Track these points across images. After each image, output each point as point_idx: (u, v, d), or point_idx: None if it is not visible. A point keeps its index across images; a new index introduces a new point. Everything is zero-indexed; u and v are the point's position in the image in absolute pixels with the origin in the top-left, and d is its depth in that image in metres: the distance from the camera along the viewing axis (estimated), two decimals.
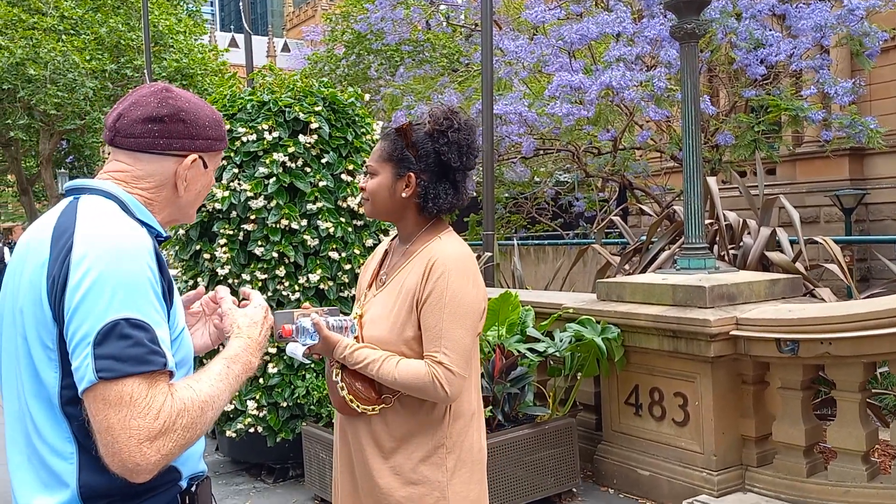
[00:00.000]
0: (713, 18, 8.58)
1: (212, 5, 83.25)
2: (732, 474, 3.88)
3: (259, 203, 4.29)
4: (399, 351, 1.94)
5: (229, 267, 4.36)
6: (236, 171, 4.37)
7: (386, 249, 2.18)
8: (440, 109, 2.04)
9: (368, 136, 4.72)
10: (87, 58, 17.47)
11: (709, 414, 3.87)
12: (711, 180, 5.45)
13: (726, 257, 5.06)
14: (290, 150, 4.33)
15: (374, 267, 2.17)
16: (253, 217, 4.33)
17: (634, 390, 4.25)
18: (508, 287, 6.63)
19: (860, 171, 15.39)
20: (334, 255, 4.40)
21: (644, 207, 8.60)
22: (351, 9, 18.48)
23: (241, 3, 12.29)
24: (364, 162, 3.92)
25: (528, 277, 8.79)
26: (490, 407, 3.91)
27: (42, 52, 16.70)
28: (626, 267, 5.86)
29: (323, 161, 4.44)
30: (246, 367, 1.45)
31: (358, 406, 1.96)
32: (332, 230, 4.38)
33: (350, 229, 4.50)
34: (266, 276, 4.34)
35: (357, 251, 4.50)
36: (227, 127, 4.39)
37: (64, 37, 17.68)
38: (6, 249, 17.69)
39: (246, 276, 4.35)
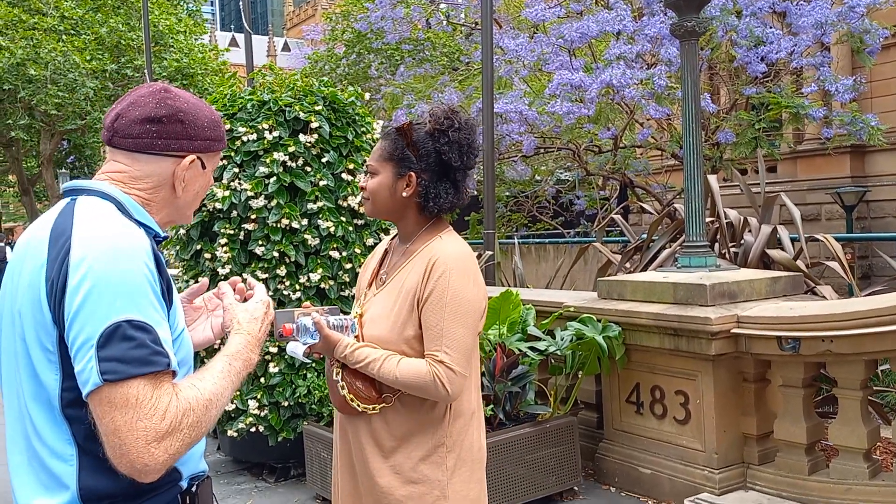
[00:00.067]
0: (713, 16, 8.57)
1: (212, 5, 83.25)
2: (734, 472, 3.88)
3: (260, 202, 4.29)
4: (399, 350, 1.94)
5: (230, 266, 4.37)
6: (237, 170, 4.37)
7: (386, 249, 2.18)
8: (440, 109, 2.04)
9: (369, 136, 4.72)
10: (88, 58, 17.49)
11: (710, 412, 3.87)
12: (712, 178, 5.45)
13: (727, 255, 5.06)
14: (291, 149, 4.33)
15: (374, 266, 2.17)
16: (254, 216, 4.33)
17: (636, 388, 4.25)
18: (509, 286, 6.63)
19: (861, 168, 15.38)
20: (335, 254, 4.40)
21: (645, 206, 8.59)
22: (351, 8, 18.46)
23: (241, 3, 12.28)
24: (364, 161, 3.92)
25: (529, 276, 8.79)
26: (491, 406, 3.91)
27: (42, 53, 16.72)
28: (627, 265, 5.86)
29: (323, 160, 4.44)
30: (246, 364, 1.46)
31: (358, 405, 1.97)
32: (332, 229, 4.38)
33: (351, 228, 4.50)
34: (267, 275, 4.34)
35: (358, 250, 4.50)
36: (228, 126, 4.39)
37: (64, 37, 17.70)
38: (8, 248, 17.73)
39: (247, 276, 4.34)
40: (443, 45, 16.01)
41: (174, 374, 1.31)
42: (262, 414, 4.38)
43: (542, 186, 13.77)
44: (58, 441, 1.31)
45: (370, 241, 4.59)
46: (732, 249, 5.14)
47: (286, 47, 56.73)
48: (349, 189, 4.49)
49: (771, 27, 9.19)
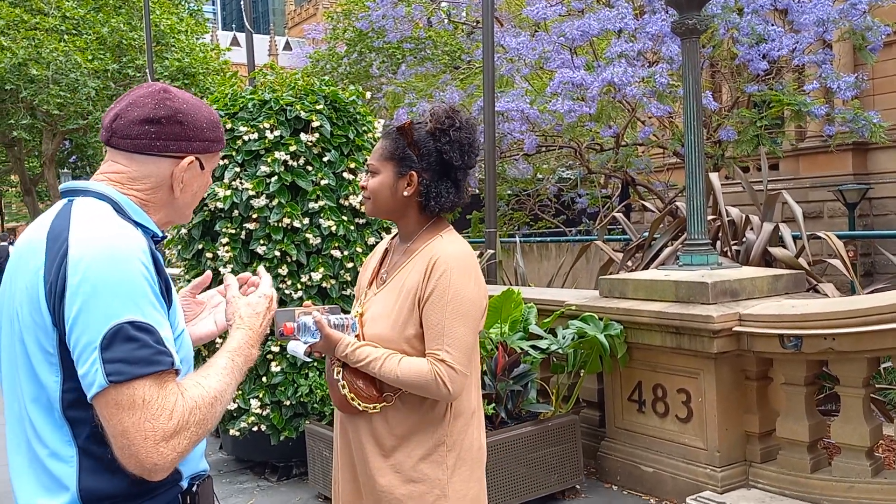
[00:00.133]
0: (715, 14, 8.56)
1: (213, 4, 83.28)
2: (736, 470, 3.88)
3: (261, 202, 4.29)
4: (400, 349, 1.94)
5: (232, 266, 4.37)
6: (238, 169, 4.37)
7: (386, 248, 2.18)
8: (441, 108, 2.04)
9: (370, 134, 4.72)
10: (90, 58, 17.50)
11: (712, 410, 3.87)
12: (714, 176, 5.44)
13: (729, 253, 5.06)
14: (292, 148, 4.33)
15: (375, 265, 2.17)
16: (255, 216, 4.33)
17: (637, 387, 4.25)
18: (511, 284, 6.63)
19: (863, 165, 15.37)
20: (336, 253, 4.41)
21: (647, 204, 8.58)
22: (352, 6, 18.46)
23: (242, 2, 12.28)
24: (366, 160, 3.92)
25: (530, 274, 8.79)
26: (493, 404, 3.91)
27: (44, 53, 16.73)
28: (629, 263, 5.85)
29: (324, 159, 4.45)
30: (248, 359, 1.47)
31: (359, 404, 1.97)
32: (334, 228, 4.39)
33: (352, 227, 4.50)
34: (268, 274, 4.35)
35: (359, 249, 4.50)
36: (229, 126, 4.40)
37: (66, 37, 17.71)
38: (11, 248, 17.75)
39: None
40: (444, 43, 16.00)
41: (177, 372, 1.31)
42: (265, 413, 4.38)
43: (543, 185, 13.76)
44: (58, 442, 1.31)
45: (371, 240, 4.59)
46: (734, 247, 5.13)
47: (288, 46, 56.75)
48: (350, 188, 4.49)
49: (773, 24, 9.17)
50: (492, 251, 6.49)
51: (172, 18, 20.10)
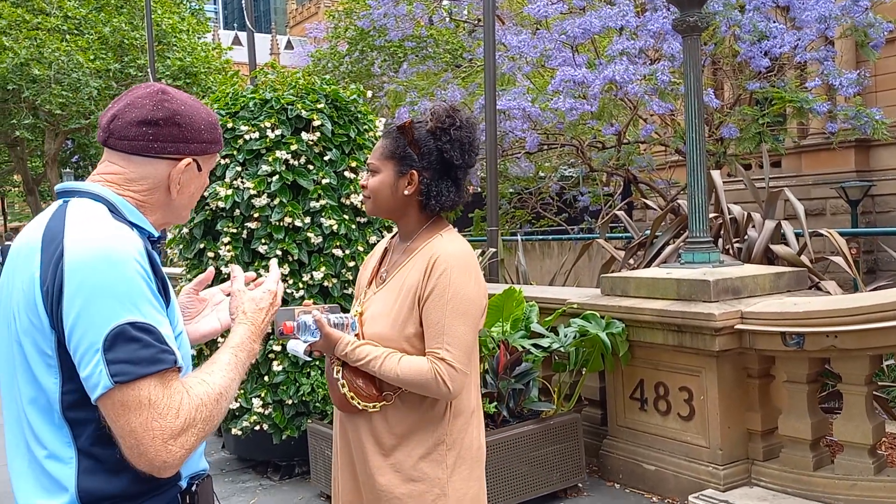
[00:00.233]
0: (716, 11, 8.54)
1: (215, 3, 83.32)
2: (738, 468, 3.88)
3: (262, 201, 4.29)
4: (400, 347, 1.94)
5: (232, 265, 4.37)
6: (239, 169, 4.37)
7: (386, 247, 2.18)
8: (442, 107, 2.04)
9: (371, 133, 4.72)
10: (91, 57, 17.51)
11: (714, 408, 3.86)
12: (716, 174, 5.43)
13: (731, 251, 5.05)
14: (293, 147, 4.33)
15: (374, 265, 2.17)
16: (256, 215, 4.33)
17: (639, 385, 4.24)
18: (513, 282, 6.63)
19: (866, 162, 15.35)
20: (338, 252, 4.41)
21: (648, 202, 8.58)
22: (354, 5, 18.45)
23: (243, 1, 12.28)
24: (367, 159, 3.92)
25: (533, 273, 8.79)
26: (495, 403, 3.91)
27: (46, 53, 16.75)
28: (631, 261, 5.85)
29: (326, 158, 4.44)
30: (250, 355, 1.48)
31: (359, 403, 1.97)
32: (335, 227, 4.39)
33: (353, 226, 4.50)
34: None
35: (361, 248, 4.50)
36: (230, 125, 4.40)
37: (68, 37, 17.73)
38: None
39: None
40: (445, 42, 16.00)
41: (180, 370, 1.32)
42: (267, 412, 4.38)
43: (545, 183, 13.76)
44: (57, 444, 1.31)
45: (373, 239, 4.59)
46: (736, 245, 5.12)
47: (289, 45, 56.75)
48: (352, 187, 4.49)
49: (774, 22, 9.15)
50: (494, 249, 6.48)
51: (174, 18, 20.12)
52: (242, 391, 4.41)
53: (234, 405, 4.43)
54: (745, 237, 5.13)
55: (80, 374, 1.26)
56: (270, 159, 4.30)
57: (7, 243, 17.18)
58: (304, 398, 4.35)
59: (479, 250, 6.38)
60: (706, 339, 3.79)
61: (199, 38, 21.65)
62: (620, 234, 9.17)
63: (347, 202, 4.49)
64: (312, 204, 4.36)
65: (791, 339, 3.60)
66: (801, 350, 3.60)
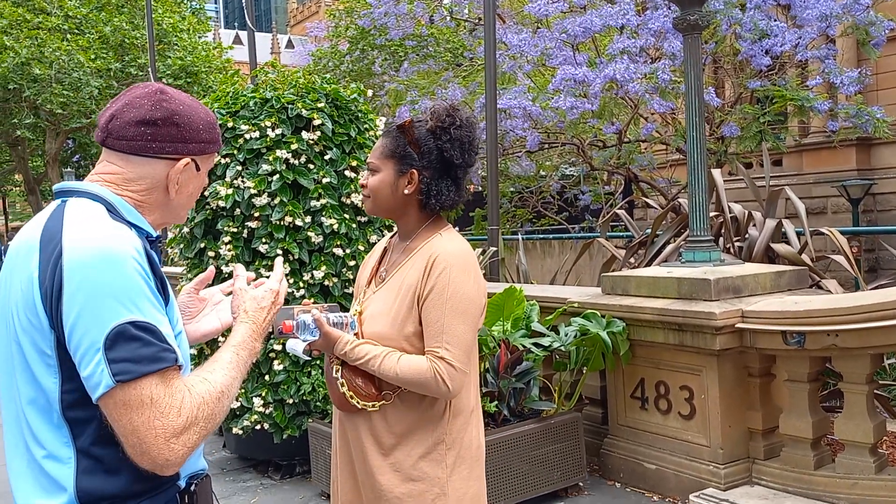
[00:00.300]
0: (717, 10, 8.53)
1: (215, 3, 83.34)
2: (739, 467, 3.87)
3: (263, 200, 4.29)
4: (399, 347, 1.94)
5: (234, 264, 4.37)
6: (240, 168, 4.37)
7: (385, 246, 2.18)
8: (442, 106, 2.04)
9: (371, 132, 4.72)
10: (92, 57, 17.52)
11: (715, 407, 3.86)
12: (717, 172, 5.42)
13: (732, 250, 5.04)
14: (293, 146, 4.33)
15: (374, 264, 2.17)
16: (257, 214, 4.33)
17: (640, 384, 4.24)
18: (513, 282, 6.62)
19: (867, 161, 15.33)
20: (338, 251, 4.41)
21: (649, 200, 8.57)
22: (354, 4, 18.45)
23: (244, 1, 12.28)
24: (367, 158, 3.92)
25: (534, 272, 8.79)
26: (496, 402, 3.91)
27: (47, 52, 16.75)
28: (632, 260, 5.84)
29: (326, 157, 4.44)
30: (252, 353, 1.48)
31: (358, 402, 1.97)
32: (335, 227, 4.39)
33: (354, 225, 4.50)
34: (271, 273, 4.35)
35: (361, 247, 4.50)
36: (230, 124, 4.39)
37: (69, 36, 17.74)
38: None
39: (251, 274, 4.35)
40: (446, 40, 16.00)
41: (181, 368, 1.32)
42: (267, 411, 4.38)
43: (546, 182, 13.76)
44: (55, 444, 1.31)
45: (373, 238, 4.59)
46: (737, 244, 5.12)
47: (290, 44, 56.75)
48: (352, 186, 4.48)
49: (775, 20, 9.14)
50: (494, 248, 6.48)
51: (175, 17, 20.12)
52: (243, 390, 4.41)
53: (235, 404, 4.43)
54: (746, 236, 5.13)
55: (80, 374, 1.26)
56: (271, 158, 4.30)
57: (8, 242, 17.19)
58: (304, 397, 4.35)
59: (480, 249, 6.38)
60: (707, 338, 3.79)
61: (199, 37, 21.66)
62: (621, 233, 9.15)
63: (348, 201, 4.49)
64: (313, 203, 4.36)
65: (792, 337, 3.60)
66: (801, 349, 3.60)
